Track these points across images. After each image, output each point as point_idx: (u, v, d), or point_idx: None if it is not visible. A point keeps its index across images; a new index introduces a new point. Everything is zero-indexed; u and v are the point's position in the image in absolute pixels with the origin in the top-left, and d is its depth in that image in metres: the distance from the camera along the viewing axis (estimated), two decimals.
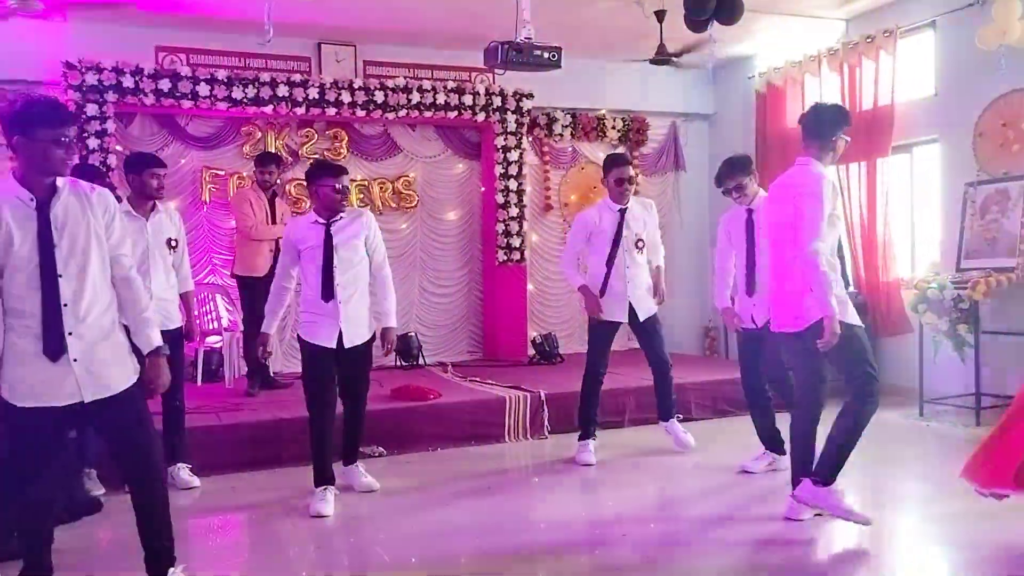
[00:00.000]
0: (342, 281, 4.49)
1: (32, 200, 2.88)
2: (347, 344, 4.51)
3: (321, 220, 4.51)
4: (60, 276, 2.89)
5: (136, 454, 3.08)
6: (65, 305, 2.89)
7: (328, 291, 4.46)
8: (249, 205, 6.54)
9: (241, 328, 6.80)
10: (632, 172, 5.52)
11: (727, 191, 4.99)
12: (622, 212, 5.39)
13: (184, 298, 4.98)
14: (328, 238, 4.48)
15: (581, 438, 5.38)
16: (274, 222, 6.56)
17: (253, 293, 6.40)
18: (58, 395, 2.91)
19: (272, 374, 6.88)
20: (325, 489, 4.44)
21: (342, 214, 4.55)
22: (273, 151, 7.48)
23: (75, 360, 2.91)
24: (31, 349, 2.88)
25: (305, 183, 4.80)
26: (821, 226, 3.82)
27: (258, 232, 6.48)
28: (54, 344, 2.88)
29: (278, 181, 6.90)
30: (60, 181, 2.95)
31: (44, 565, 3.09)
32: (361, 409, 4.74)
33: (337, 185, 4.46)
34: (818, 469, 3.89)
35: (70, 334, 2.90)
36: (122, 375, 3.03)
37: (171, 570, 3.15)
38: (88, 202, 2.99)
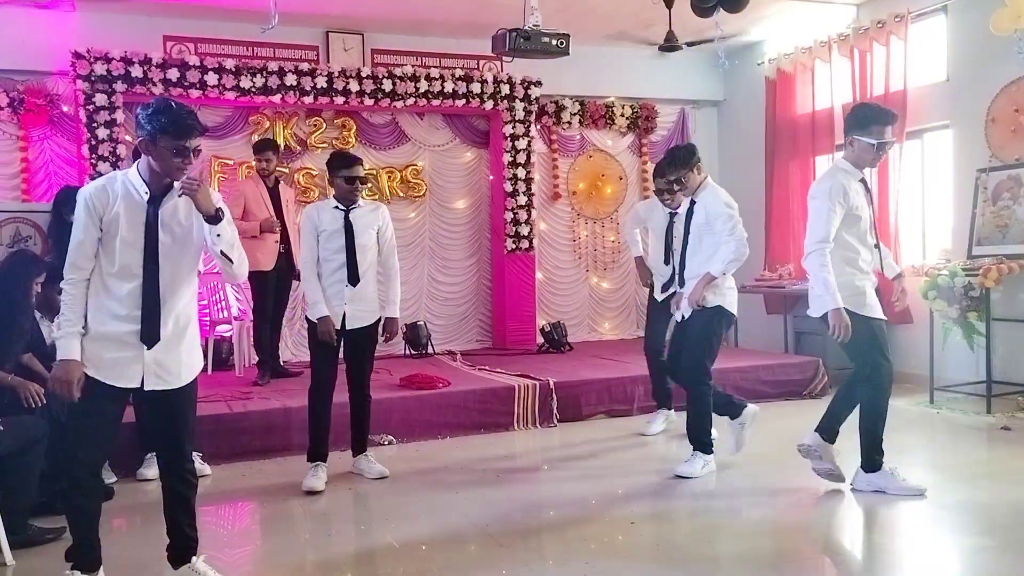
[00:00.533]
0: (364, 269, 4.67)
1: (146, 194, 3.05)
2: (349, 326, 4.65)
3: (341, 207, 4.67)
4: (159, 270, 3.06)
5: (179, 445, 3.18)
6: (161, 299, 3.06)
7: (354, 276, 4.63)
8: (243, 199, 6.44)
9: (251, 318, 6.82)
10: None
11: (665, 188, 5.13)
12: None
13: None
14: (348, 225, 4.64)
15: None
16: (279, 211, 6.54)
17: (261, 286, 6.44)
18: (121, 377, 3.04)
19: (282, 363, 6.91)
20: (317, 466, 4.63)
21: (360, 203, 4.71)
22: (270, 137, 7.44)
23: (151, 350, 3.06)
24: (114, 330, 3.02)
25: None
26: (820, 226, 4.02)
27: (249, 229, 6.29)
28: (149, 332, 3.04)
29: (278, 168, 6.87)
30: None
31: (94, 541, 3.14)
32: (366, 396, 4.82)
33: (350, 175, 4.62)
34: (863, 459, 4.24)
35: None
36: (188, 371, 3.16)
37: (194, 558, 3.24)
38: (189, 208, 3.14)
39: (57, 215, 5.20)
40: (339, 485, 4.67)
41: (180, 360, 3.12)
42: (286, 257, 6.52)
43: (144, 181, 3.05)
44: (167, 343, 3.08)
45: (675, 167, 4.80)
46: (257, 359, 6.75)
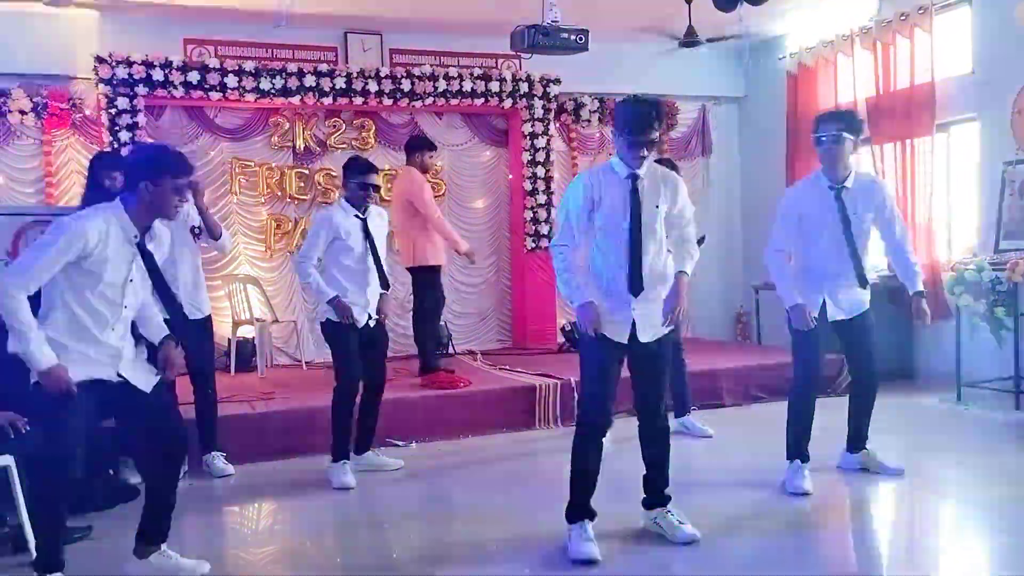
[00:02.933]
0: (373, 275, 4.76)
1: (136, 237, 3.19)
2: (371, 323, 4.77)
3: (360, 216, 4.73)
4: (126, 307, 3.22)
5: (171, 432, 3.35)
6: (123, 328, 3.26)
7: (384, 281, 4.78)
8: (431, 193, 6.74)
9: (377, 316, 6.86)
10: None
11: (644, 143, 3.47)
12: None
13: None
14: (367, 233, 4.73)
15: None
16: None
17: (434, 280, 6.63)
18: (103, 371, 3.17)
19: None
20: (344, 463, 4.67)
21: (370, 210, 4.79)
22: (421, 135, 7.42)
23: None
24: (94, 354, 3.14)
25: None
26: (774, 229, 4.28)
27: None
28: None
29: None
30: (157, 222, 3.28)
31: (60, 555, 3.19)
32: (381, 394, 4.89)
33: (364, 182, 4.70)
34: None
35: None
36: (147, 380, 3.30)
37: (163, 546, 3.37)
38: (161, 242, 3.36)
39: (92, 181, 5.09)
40: (360, 487, 4.65)
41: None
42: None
43: (134, 224, 3.17)
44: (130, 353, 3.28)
45: (661, 120, 3.69)
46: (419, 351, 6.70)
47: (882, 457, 4.46)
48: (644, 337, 3.52)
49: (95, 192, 4.67)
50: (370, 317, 4.74)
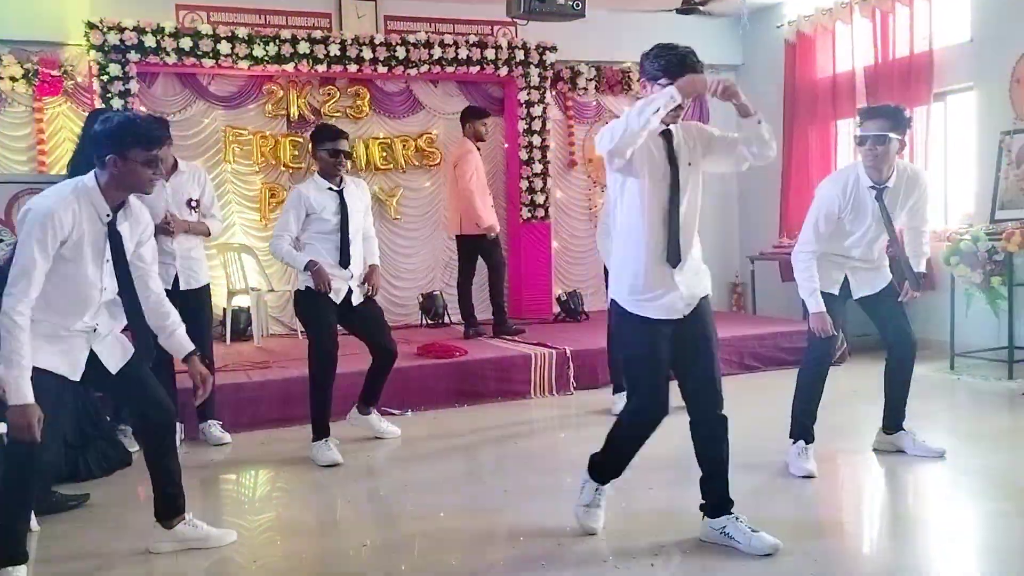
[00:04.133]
0: (355, 248, 4.62)
1: (109, 216, 2.99)
2: (355, 302, 4.64)
3: (334, 188, 4.59)
4: (104, 289, 3.06)
5: (162, 398, 3.26)
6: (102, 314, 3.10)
7: (345, 258, 4.58)
8: (474, 164, 6.89)
9: (457, 280, 7.21)
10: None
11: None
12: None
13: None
14: (344, 207, 4.58)
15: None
16: None
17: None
18: (73, 370, 3.05)
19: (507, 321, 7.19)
20: (327, 440, 4.56)
21: (346, 181, 4.64)
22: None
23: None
24: (67, 338, 3.02)
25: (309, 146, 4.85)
26: (809, 231, 4.06)
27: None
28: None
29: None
30: (132, 198, 3.09)
31: (24, 546, 3.02)
32: (395, 352, 4.80)
33: (334, 148, 4.54)
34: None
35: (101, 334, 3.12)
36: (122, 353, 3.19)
37: (188, 515, 3.33)
38: (138, 221, 3.15)
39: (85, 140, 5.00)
40: (356, 453, 4.69)
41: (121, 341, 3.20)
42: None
43: (106, 201, 2.98)
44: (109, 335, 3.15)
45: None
46: (462, 315, 7.15)
47: (922, 438, 4.28)
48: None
49: (87, 153, 4.62)
50: (351, 292, 4.62)
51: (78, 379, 3.07)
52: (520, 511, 3.73)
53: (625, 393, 4.89)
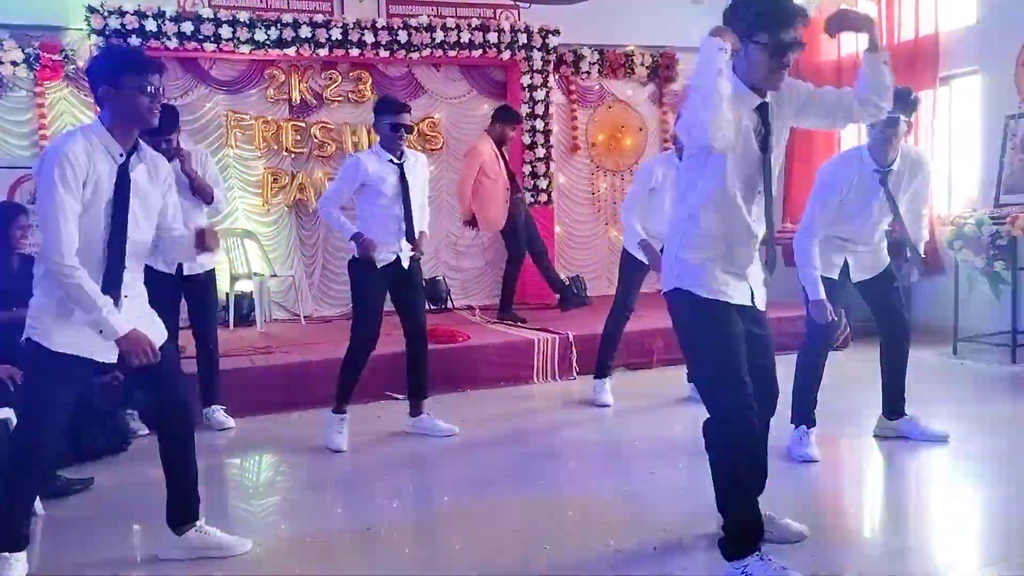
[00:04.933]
0: (415, 221, 4.59)
1: (121, 155, 2.83)
2: (405, 264, 4.62)
3: (395, 161, 4.55)
4: (127, 238, 2.87)
5: (174, 406, 3.11)
6: (124, 268, 2.88)
7: (410, 231, 4.56)
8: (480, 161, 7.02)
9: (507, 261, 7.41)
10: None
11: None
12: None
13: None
14: (404, 179, 4.55)
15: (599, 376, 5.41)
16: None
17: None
18: (101, 350, 2.88)
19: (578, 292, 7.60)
20: (343, 420, 4.51)
21: (407, 154, 4.61)
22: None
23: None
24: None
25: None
26: (812, 216, 4.03)
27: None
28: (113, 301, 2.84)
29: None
30: (141, 142, 2.91)
31: (27, 530, 2.97)
32: (425, 342, 4.79)
33: (396, 122, 4.51)
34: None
35: (125, 296, 2.90)
36: (156, 334, 3.00)
37: (200, 522, 3.16)
38: (156, 171, 2.98)
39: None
40: (360, 437, 4.70)
41: (148, 323, 2.98)
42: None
43: (115, 140, 2.82)
44: (130, 309, 2.90)
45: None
46: (555, 288, 7.49)
47: (925, 423, 4.27)
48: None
49: None
50: (399, 259, 4.57)
51: (115, 360, 2.90)
52: (523, 494, 3.74)
53: (604, 382, 5.02)
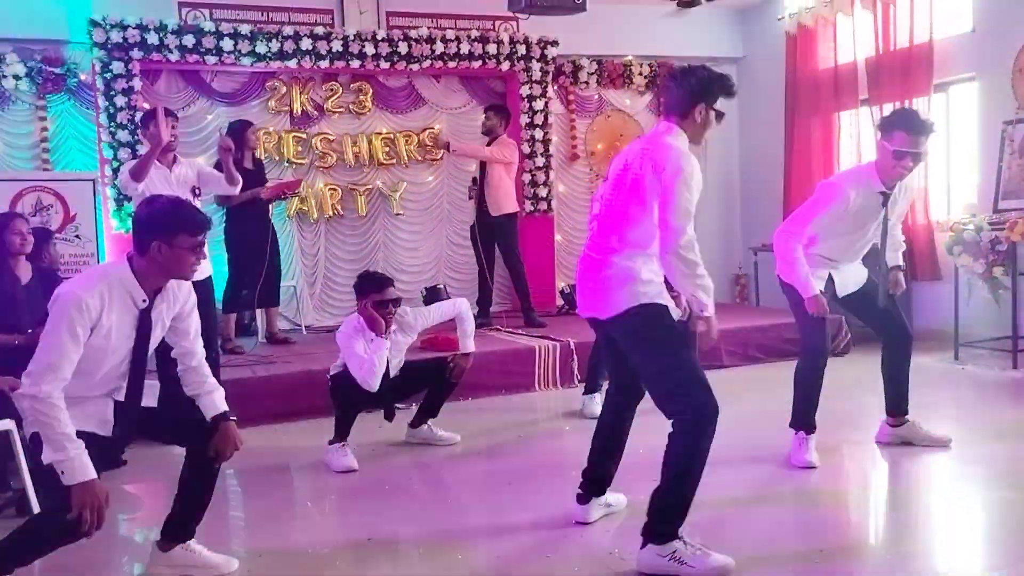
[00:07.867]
0: None
1: (145, 301, 2.86)
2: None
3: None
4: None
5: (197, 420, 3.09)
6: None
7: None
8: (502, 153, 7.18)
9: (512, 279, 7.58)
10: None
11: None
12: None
13: None
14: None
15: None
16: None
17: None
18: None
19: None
20: (345, 444, 4.45)
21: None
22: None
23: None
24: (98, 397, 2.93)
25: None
26: (811, 220, 4.14)
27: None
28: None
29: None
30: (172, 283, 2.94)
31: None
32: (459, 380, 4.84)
33: (383, 299, 4.44)
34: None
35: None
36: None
37: (189, 542, 3.14)
38: (176, 297, 2.99)
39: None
40: (361, 447, 4.69)
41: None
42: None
43: (142, 288, 2.84)
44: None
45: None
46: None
47: (927, 427, 4.28)
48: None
49: None
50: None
51: (109, 434, 2.92)
52: (525, 503, 3.75)
53: (596, 394, 5.02)
